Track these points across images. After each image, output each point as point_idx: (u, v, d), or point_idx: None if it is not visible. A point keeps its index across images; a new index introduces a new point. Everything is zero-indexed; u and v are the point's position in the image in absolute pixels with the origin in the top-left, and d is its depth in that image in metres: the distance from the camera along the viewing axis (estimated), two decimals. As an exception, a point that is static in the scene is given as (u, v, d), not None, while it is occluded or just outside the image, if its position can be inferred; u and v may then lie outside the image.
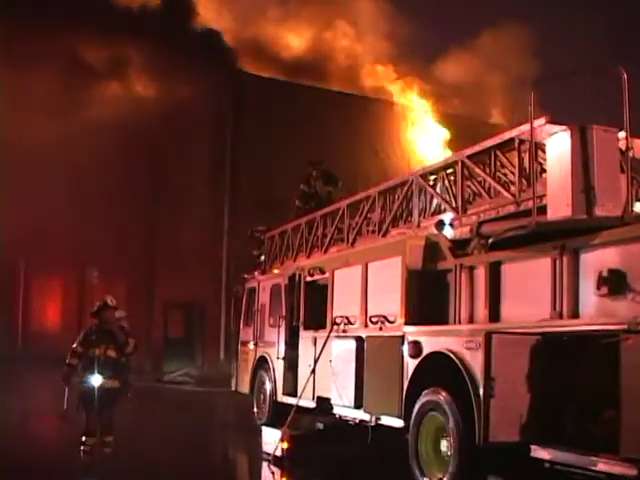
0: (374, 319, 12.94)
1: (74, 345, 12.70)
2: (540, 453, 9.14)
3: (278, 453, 13.74)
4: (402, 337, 11.83)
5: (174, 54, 32.11)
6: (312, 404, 14.94)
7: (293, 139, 29.73)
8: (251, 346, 19.28)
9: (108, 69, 33.62)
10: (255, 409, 18.57)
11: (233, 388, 20.76)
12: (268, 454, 14.06)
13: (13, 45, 31.46)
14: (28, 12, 31.16)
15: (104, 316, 12.91)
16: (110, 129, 31.01)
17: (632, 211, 9.24)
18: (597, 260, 8.99)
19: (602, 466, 8.28)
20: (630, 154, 9.28)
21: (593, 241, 9.09)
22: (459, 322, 11.33)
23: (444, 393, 10.57)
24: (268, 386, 17.79)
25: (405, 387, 11.61)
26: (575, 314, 9.26)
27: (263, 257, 20.85)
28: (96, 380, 12.39)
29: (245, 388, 19.38)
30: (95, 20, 31.82)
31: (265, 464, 13.99)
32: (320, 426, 14.64)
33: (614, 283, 8.61)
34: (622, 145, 9.40)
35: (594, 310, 9.00)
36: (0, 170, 32.52)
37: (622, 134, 9.37)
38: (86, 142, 30.82)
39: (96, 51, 32.93)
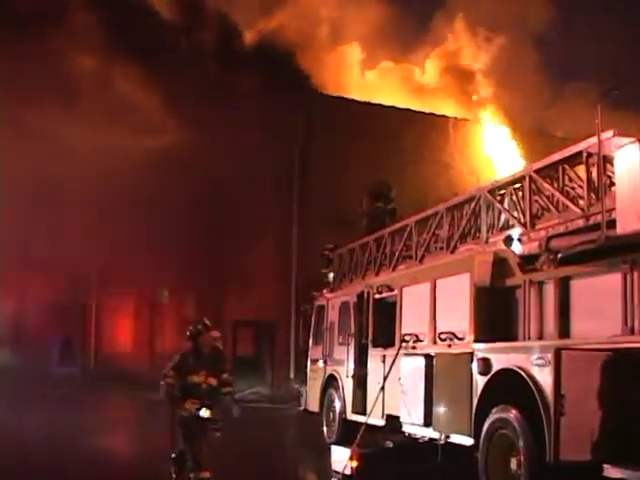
0: (443, 336, 12.85)
1: (165, 370, 11.47)
2: (612, 472, 8.97)
3: (347, 472, 13.65)
4: (471, 354, 11.74)
5: (242, 73, 32.42)
6: (381, 422, 14.87)
7: (361, 157, 29.72)
8: (320, 364, 19.26)
9: (177, 91, 34.00)
10: (324, 427, 18.52)
11: (303, 407, 20.76)
12: (337, 473, 13.98)
13: (77, 78, 32.01)
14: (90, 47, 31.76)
15: (202, 340, 11.65)
16: (176, 149, 31.33)
17: None
18: (669, 274, 8.82)
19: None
20: (701, 165, 9.10)
21: (664, 255, 8.93)
22: (528, 338, 11.19)
23: (514, 411, 10.44)
24: (337, 404, 17.75)
25: (474, 405, 11.50)
26: (646, 329, 9.09)
27: (332, 275, 20.85)
28: (202, 412, 11.31)
29: (315, 406, 19.36)
30: (157, 46, 32.38)
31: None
32: (389, 444, 14.54)
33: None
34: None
35: (667, 325, 8.83)
36: (70, 194, 33.14)
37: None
38: (153, 163, 31.15)
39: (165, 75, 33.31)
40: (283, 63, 34.13)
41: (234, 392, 12.24)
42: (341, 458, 14.05)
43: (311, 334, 20.42)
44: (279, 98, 31.59)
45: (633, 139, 9.41)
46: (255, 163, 30.71)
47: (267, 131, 30.59)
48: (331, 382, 18.32)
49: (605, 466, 9.03)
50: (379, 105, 32.82)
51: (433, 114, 34.08)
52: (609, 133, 9.85)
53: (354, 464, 13.63)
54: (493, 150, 34.59)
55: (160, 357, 32.41)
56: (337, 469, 14.09)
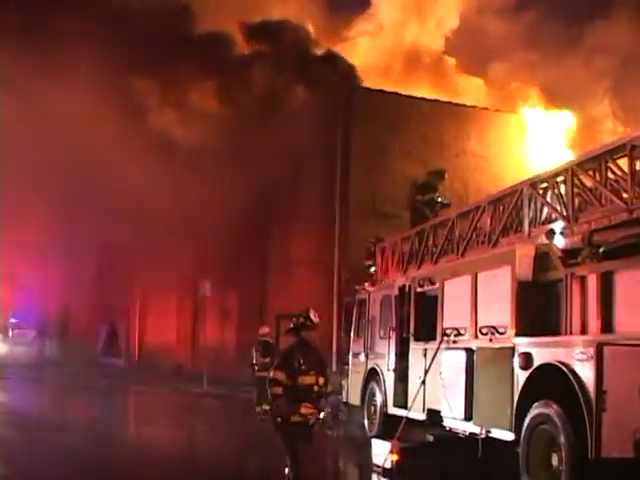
0: (484, 330, 12.80)
1: (271, 374, 10.38)
2: (656, 469, 8.89)
3: (388, 465, 13.64)
4: (512, 348, 11.68)
5: (284, 67, 32.50)
6: (422, 416, 14.83)
7: (401, 149, 29.62)
8: (362, 358, 19.24)
9: (221, 86, 34.16)
10: (366, 421, 18.50)
11: (344, 400, 20.75)
12: (378, 466, 13.99)
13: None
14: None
15: (309, 334, 10.59)
16: (224, 142, 31.44)
17: None
18: None
19: None
20: None
21: None
22: (570, 333, 11.12)
23: (555, 406, 10.37)
24: (379, 398, 17.72)
25: (515, 399, 11.45)
26: (690, 324, 8.98)
27: (374, 268, 20.83)
28: (320, 416, 10.41)
29: (356, 400, 19.32)
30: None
31: (375, 476, 13.93)
32: (430, 438, 14.51)
33: None
34: None
35: None
36: (117, 189, 33.47)
37: None
38: (198, 154, 31.32)
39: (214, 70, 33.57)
40: (324, 58, 34.16)
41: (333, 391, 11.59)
42: (382, 452, 14.04)
43: (353, 327, 20.40)
44: (320, 91, 31.63)
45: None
46: (299, 158, 30.74)
47: (310, 124, 30.57)
48: (372, 376, 18.29)
49: (647, 463, 8.96)
50: (420, 98, 32.66)
51: (475, 106, 33.84)
52: (653, 126, 9.76)
53: (394, 458, 13.62)
54: (537, 143, 34.30)
55: (203, 350, 32.76)
56: (377, 462, 14.10)
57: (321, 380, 10.43)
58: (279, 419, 10.31)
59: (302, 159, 30.85)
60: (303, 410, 10.21)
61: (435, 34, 40.13)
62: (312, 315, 10.57)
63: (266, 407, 19.54)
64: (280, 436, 10.42)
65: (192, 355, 36.88)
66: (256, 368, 20.31)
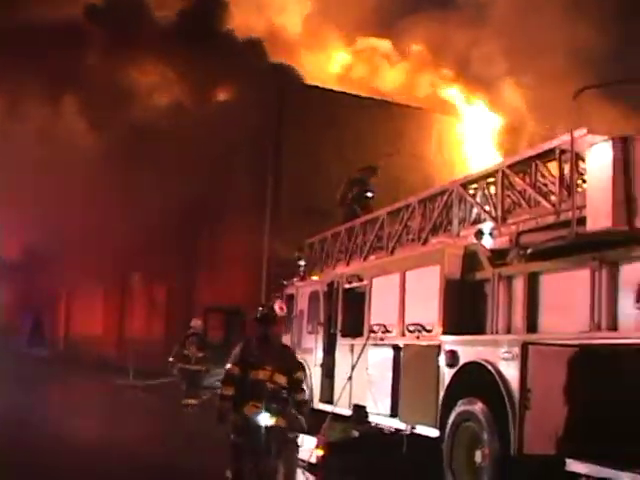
0: (411, 328, 12.92)
1: (228, 366, 9.41)
2: (576, 467, 9.05)
3: (313, 460, 13.69)
4: (439, 346, 11.80)
5: (217, 62, 32.30)
6: (348, 412, 14.91)
7: (335, 147, 29.70)
8: (289, 353, 19.24)
9: (149, 78, 33.88)
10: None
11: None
12: (303, 461, 14.00)
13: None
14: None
15: (273, 328, 9.73)
16: (151, 137, 31.25)
17: (673, 223, 9.12)
18: (637, 272, 8.88)
19: (640, 482, 8.18)
20: (672, 165, 9.17)
21: (633, 253, 8.99)
22: (496, 332, 11.26)
23: (480, 403, 10.52)
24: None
25: (441, 396, 11.57)
26: (614, 326, 9.15)
27: (303, 264, 20.86)
28: (263, 418, 9.10)
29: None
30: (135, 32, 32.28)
31: (300, 471, 13.95)
32: (356, 434, 14.60)
33: (654, 295, 8.52)
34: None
35: (633, 323, 8.89)
36: (43, 179, 33.05)
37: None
38: (127, 148, 31.11)
39: (139, 60, 33.20)
40: (257, 50, 34.04)
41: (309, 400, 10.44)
42: (307, 447, 14.07)
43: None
44: (253, 85, 31.55)
45: (606, 137, 9.47)
46: (230, 152, 30.63)
47: (242, 120, 30.51)
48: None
49: (568, 461, 9.11)
50: (354, 95, 32.79)
51: (409, 106, 34.07)
52: (582, 131, 9.93)
53: (320, 453, 13.68)
54: (470, 144, 34.67)
55: (129, 342, 32.51)
56: (303, 457, 14.11)
57: (280, 379, 9.26)
58: (222, 423, 9.27)
59: (234, 153, 30.73)
60: (247, 409, 9.08)
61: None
62: (277, 307, 10.13)
63: (193, 401, 19.59)
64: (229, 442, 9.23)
65: (118, 347, 36.61)
66: (192, 361, 20.13)
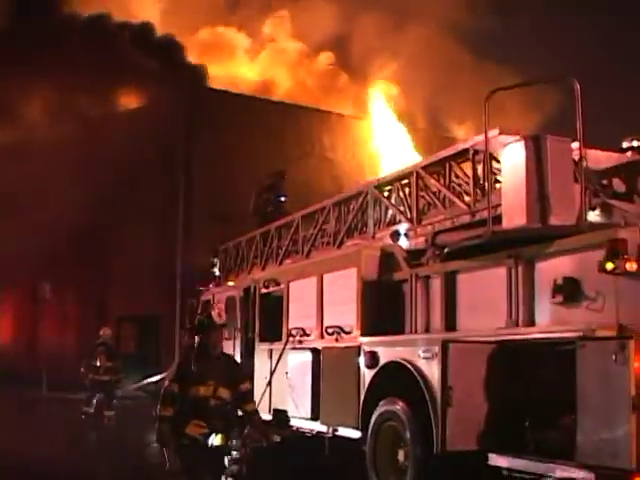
0: (330, 330, 12.94)
1: (166, 383, 8.54)
2: (498, 461, 9.19)
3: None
4: (358, 348, 11.85)
5: (125, 65, 32.04)
6: (269, 416, 14.87)
7: (247, 152, 29.68)
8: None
9: (56, 80, 33.44)
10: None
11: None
12: (225, 467, 13.92)
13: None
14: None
15: (213, 337, 8.65)
16: (63, 143, 30.86)
17: (586, 220, 9.32)
18: (552, 268, 9.05)
19: (560, 472, 8.34)
20: (583, 164, 9.37)
21: (548, 250, 9.15)
22: (415, 332, 11.36)
23: (401, 403, 10.60)
24: (224, 399, 17.64)
25: (362, 398, 11.62)
26: (531, 322, 9.32)
27: (217, 269, 20.79)
28: (210, 438, 8.38)
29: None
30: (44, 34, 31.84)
31: (222, 477, 13.84)
32: (277, 438, 14.55)
33: (569, 291, 8.69)
34: (575, 155, 9.48)
35: (549, 318, 9.07)
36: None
37: (575, 144, 9.45)
38: (38, 155, 30.66)
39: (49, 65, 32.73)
40: (168, 52, 33.88)
41: (257, 410, 9.19)
42: (229, 453, 14.00)
43: (197, 329, 20.26)
44: (165, 88, 31.43)
45: (518, 137, 9.63)
46: (139, 156, 30.38)
47: (152, 127, 30.33)
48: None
49: (490, 455, 9.24)
50: (264, 100, 32.86)
51: (318, 109, 34.23)
52: (495, 131, 10.09)
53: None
54: (382, 146, 34.96)
55: (41, 353, 31.93)
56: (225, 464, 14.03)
57: (224, 393, 8.48)
58: (164, 449, 8.36)
59: (145, 161, 30.49)
60: (190, 429, 8.31)
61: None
62: (214, 315, 8.83)
63: (109, 413, 19.35)
64: (175, 464, 8.33)
65: (30, 358, 35.91)
66: (100, 371, 19.90)
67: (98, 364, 20.00)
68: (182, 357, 9.23)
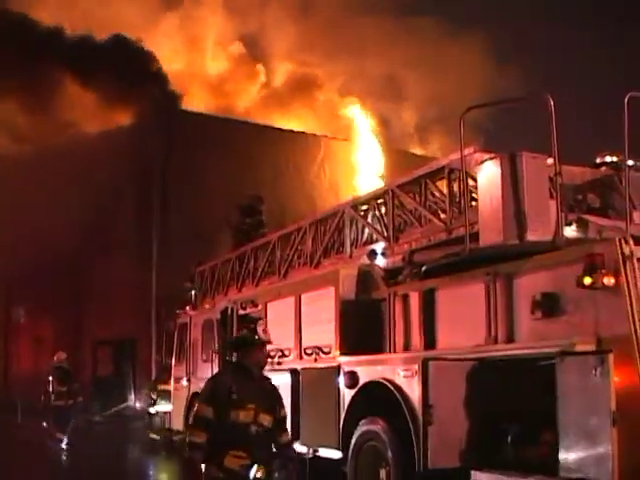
0: (309, 350, 12.92)
1: (197, 406, 7.49)
2: (480, 478, 9.14)
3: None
4: (338, 368, 11.81)
5: (102, 82, 32.02)
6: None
7: (222, 173, 29.67)
8: (184, 382, 19.09)
9: (32, 94, 33.36)
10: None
11: (167, 425, 20.55)
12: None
13: None
14: None
15: (255, 355, 7.60)
16: (34, 164, 30.76)
17: (562, 235, 9.36)
18: (530, 284, 9.07)
19: (542, 488, 8.35)
20: (559, 180, 9.43)
21: (525, 266, 9.17)
22: (395, 350, 11.33)
23: (382, 422, 10.57)
24: (203, 422, 17.56)
25: (342, 418, 11.57)
26: (510, 338, 9.32)
27: (194, 292, 20.77)
28: (252, 472, 7.15)
29: (180, 425, 19.15)
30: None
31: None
32: (257, 460, 14.47)
33: (547, 307, 8.70)
34: (551, 171, 9.54)
35: (529, 334, 9.08)
36: None
37: (550, 160, 9.52)
38: (8, 173, 30.54)
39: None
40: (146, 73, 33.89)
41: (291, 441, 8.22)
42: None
43: (174, 352, 20.24)
44: (139, 110, 31.42)
45: (494, 154, 9.68)
46: (117, 179, 30.32)
47: (128, 147, 30.30)
48: (196, 400, 18.13)
49: (473, 472, 9.21)
50: (239, 121, 32.92)
51: (292, 131, 34.34)
52: (471, 149, 10.14)
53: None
54: (357, 167, 35.12)
55: (15, 378, 31.68)
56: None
57: (265, 419, 7.40)
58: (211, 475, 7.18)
59: (120, 183, 30.42)
60: (228, 461, 7.11)
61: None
62: (259, 329, 7.70)
63: (61, 436, 19.24)
64: None
65: (3, 382, 35.63)
66: (52, 397, 19.78)
67: (51, 389, 19.89)
68: (215, 377, 7.93)
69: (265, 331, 7.76)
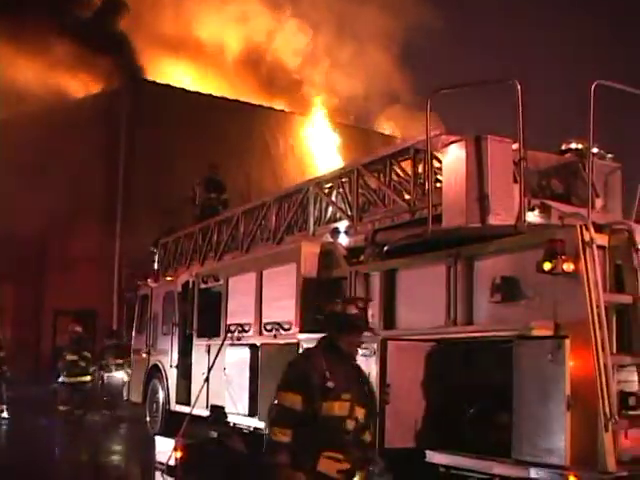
0: (269, 326, 12.94)
1: (280, 394, 6.13)
2: (435, 458, 9.23)
3: (172, 462, 13.51)
4: (297, 344, 11.81)
5: (69, 46, 31.68)
6: (206, 413, 14.83)
7: (189, 145, 29.50)
8: (144, 354, 19.06)
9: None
10: (148, 418, 18.34)
11: (125, 397, 20.53)
12: (162, 464, 13.83)
13: None
14: None
15: (357, 341, 6.42)
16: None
17: (524, 220, 9.41)
18: (491, 268, 9.13)
19: (496, 469, 8.40)
20: (523, 164, 9.46)
21: (487, 249, 9.23)
22: (354, 329, 11.33)
23: (339, 400, 10.60)
24: (161, 395, 17.61)
25: (300, 394, 11.57)
26: (469, 321, 9.38)
27: (156, 264, 20.67)
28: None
29: (138, 397, 19.15)
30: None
31: (159, 474, 13.79)
32: (214, 434, 14.52)
33: (507, 290, 8.77)
34: (516, 156, 9.57)
35: (488, 317, 9.13)
36: None
37: (516, 145, 9.55)
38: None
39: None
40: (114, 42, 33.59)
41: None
42: (165, 449, 13.91)
43: (134, 324, 20.18)
44: (104, 79, 31.20)
45: (459, 137, 9.70)
46: (81, 147, 30.03)
47: (93, 114, 30.05)
48: (155, 372, 18.16)
49: (428, 452, 9.28)
50: (207, 95, 32.70)
51: (261, 105, 34.22)
52: (437, 131, 10.15)
53: (178, 455, 13.53)
54: (321, 144, 35.03)
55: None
56: (161, 460, 13.96)
57: (360, 413, 6.14)
58: None
59: (84, 147, 30.11)
60: (323, 465, 5.91)
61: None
62: (354, 307, 6.35)
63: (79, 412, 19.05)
64: None
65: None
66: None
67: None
68: (302, 358, 6.65)
69: (367, 309, 6.46)
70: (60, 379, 18.86)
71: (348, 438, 5.99)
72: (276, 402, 6.11)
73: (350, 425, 6.00)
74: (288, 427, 5.89)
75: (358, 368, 6.42)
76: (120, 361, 22.87)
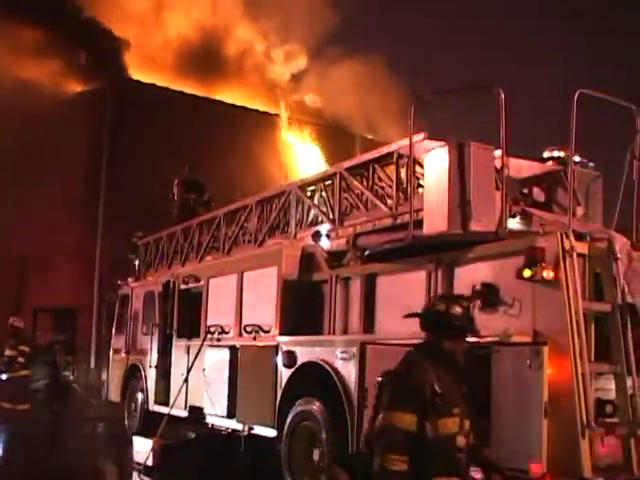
0: (248, 328, 12.95)
1: (385, 414, 5.40)
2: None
3: (149, 463, 13.55)
4: (276, 347, 11.86)
5: (54, 42, 31.55)
6: (184, 413, 14.83)
7: (172, 145, 29.40)
8: (123, 354, 19.03)
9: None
10: (126, 418, 18.31)
11: (104, 397, 20.48)
12: (139, 464, 13.84)
13: None
14: None
15: (463, 344, 5.72)
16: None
17: (506, 227, 9.43)
18: (471, 274, 9.16)
19: (472, 475, 8.41)
20: (505, 172, 9.49)
21: (467, 255, 9.26)
22: (334, 333, 11.39)
23: (317, 403, 10.66)
24: (140, 395, 17.57)
25: (279, 397, 11.64)
26: (449, 326, 9.38)
27: (137, 263, 20.63)
28: None
29: (116, 397, 19.12)
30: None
31: (136, 474, 13.78)
32: (192, 435, 14.52)
33: (487, 297, 8.78)
34: (498, 163, 9.60)
35: (467, 322, 9.14)
36: None
37: (498, 152, 9.58)
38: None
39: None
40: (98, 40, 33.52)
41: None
42: (143, 449, 13.92)
43: (114, 323, 20.14)
44: (93, 75, 31.11)
45: (442, 143, 9.71)
46: (64, 143, 29.91)
47: (77, 110, 29.95)
48: (134, 372, 18.12)
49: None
50: (191, 95, 32.66)
51: (245, 107, 34.19)
52: (420, 136, 10.17)
53: (156, 455, 13.55)
54: (304, 147, 35.04)
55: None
56: (139, 460, 13.96)
57: (467, 426, 5.47)
58: None
59: (67, 144, 29.99)
60: None
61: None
62: (459, 306, 5.68)
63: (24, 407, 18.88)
64: None
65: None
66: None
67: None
68: (409, 365, 5.64)
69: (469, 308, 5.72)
70: (3, 376, 18.79)
71: (461, 457, 5.37)
72: (384, 423, 5.30)
73: (461, 442, 5.37)
74: (405, 453, 5.14)
75: (459, 373, 5.64)
76: (69, 358, 22.78)
